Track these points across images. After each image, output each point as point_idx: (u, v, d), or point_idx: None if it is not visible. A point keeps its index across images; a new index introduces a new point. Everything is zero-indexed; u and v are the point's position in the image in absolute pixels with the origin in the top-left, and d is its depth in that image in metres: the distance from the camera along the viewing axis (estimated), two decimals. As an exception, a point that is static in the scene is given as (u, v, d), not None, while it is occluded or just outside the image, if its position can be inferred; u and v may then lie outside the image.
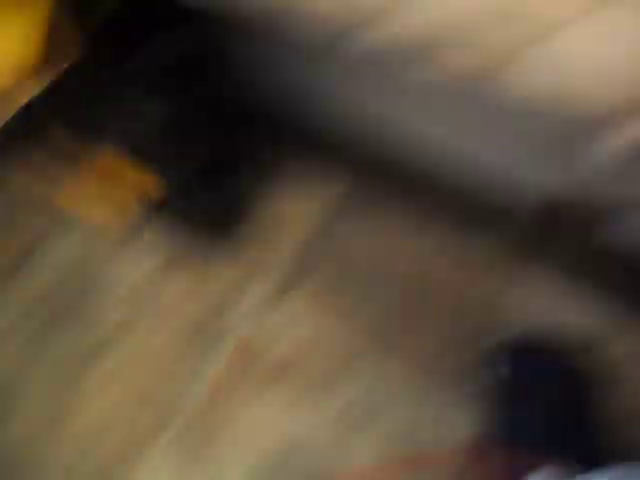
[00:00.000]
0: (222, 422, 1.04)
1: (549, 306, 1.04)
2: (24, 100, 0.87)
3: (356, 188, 1.20)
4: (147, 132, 1.02)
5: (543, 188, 0.98)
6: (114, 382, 1.07)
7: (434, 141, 1.02)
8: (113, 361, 1.09)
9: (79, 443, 1.01)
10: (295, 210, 1.20)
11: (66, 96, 0.96)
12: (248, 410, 1.05)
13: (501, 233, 1.06)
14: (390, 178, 1.17)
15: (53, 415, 1.05)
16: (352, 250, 1.15)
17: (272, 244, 1.17)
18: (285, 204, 1.21)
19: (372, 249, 1.15)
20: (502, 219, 1.04)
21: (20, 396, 1.07)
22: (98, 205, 1.20)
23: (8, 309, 1.15)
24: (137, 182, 1.10)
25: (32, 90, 0.87)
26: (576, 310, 1.04)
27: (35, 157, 1.14)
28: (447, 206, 1.07)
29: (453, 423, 0.96)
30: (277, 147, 1.22)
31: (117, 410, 1.05)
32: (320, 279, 1.13)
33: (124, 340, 1.11)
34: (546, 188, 0.97)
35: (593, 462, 0.74)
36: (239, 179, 1.19)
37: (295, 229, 1.19)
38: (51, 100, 0.90)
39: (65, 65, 0.88)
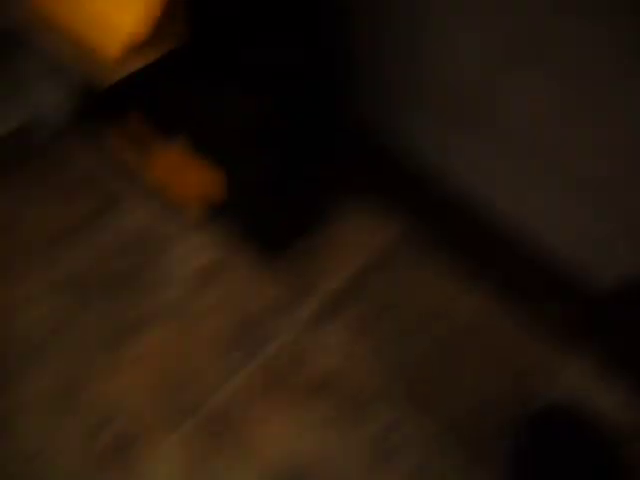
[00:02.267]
0: (242, 427, 1.02)
1: (586, 388, 1.01)
2: (126, 72, 0.91)
3: (414, 232, 1.19)
4: (227, 129, 1.03)
5: (624, 269, 0.94)
6: (147, 360, 1.01)
7: (503, 207, 1.00)
8: (151, 339, 1.03)
9: (98, 410, 0.98)
10: (353, 241, 1.20)
11: (156, 80, 0.99)
12: (272, 420, 1.03)
13: (555, 306, 1.03)
14: (448, 229, 1.15)
15: (79, 377, 0.98)
16: (399, 291, 1.14)
17: (326, 266, 1.17)
18: (345, 233, 1.21)
19: (417, 295, 1.14)
20: (562, 292, 1.01)
21: (52, 354, 1.02)
22: (174, 188, 1.23)
23: (64, 263, 1.11)
24: (201, 178, 1.13)
25: (135, 65, 0.90)
26: (612, 400, 0.99)
27: (131, 127, 1.20)
28: (502, 267, 1.05)
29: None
30: (351, 174, 1.23)
31: (141, 389, 0.99)
32: (363, 312, 1.13)
33: (168, 322, 1.05)
34: (627, 269, 0.93)
35: None
36: (306, 195, 1.19)
37: (350, 258, 1.19)
38: (141, 80, 0.93)
39: (170, 47, 0.91)
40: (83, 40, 0.87)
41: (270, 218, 1.19)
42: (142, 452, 0.96)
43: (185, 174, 1.15)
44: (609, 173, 0.89)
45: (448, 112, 1.06)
